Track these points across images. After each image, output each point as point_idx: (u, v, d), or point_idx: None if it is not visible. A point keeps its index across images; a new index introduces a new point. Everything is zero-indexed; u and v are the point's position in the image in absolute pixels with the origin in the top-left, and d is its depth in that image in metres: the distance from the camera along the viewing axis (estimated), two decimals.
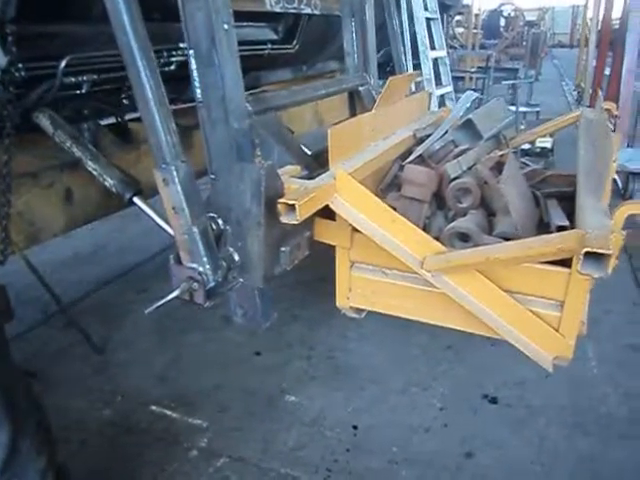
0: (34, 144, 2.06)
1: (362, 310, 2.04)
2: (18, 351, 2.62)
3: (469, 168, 1.98)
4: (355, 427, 2.21)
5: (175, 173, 1.43)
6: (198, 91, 1.72)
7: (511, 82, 7.04)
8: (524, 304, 1.67)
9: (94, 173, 1.96)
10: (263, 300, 2.07)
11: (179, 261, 1.53)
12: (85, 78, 2.19)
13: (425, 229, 2.01)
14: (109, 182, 1.95)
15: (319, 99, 2.67)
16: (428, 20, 4.76)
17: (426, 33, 4.59)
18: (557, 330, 1.66)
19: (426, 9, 4.70)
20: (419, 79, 4.59)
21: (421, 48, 4.43)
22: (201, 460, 2.02)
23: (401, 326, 2.70)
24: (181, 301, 1.54)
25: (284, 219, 1.48)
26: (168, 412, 2.26)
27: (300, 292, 3.18)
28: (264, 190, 1.51)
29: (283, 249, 1.71)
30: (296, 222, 1.47)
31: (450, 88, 4.92)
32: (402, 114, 2.42)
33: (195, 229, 1.47)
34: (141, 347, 2.75)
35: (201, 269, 1.50)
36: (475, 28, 9.49)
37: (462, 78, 8.24)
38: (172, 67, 2.68)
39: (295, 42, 3.71)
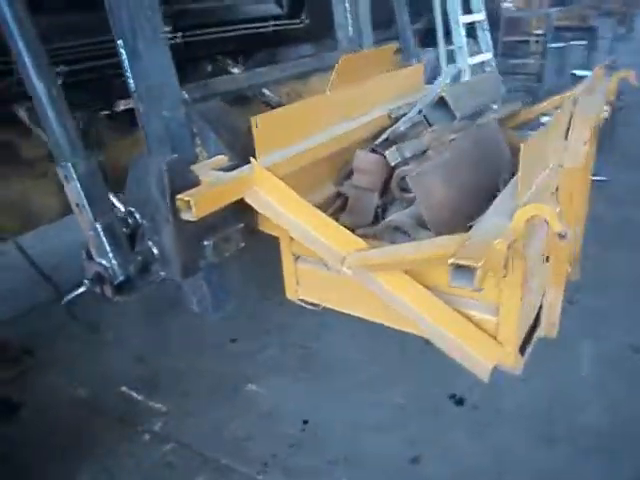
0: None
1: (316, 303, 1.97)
2: (20, 328, 2.85)
3: (424, 152, 1.81)
4: (305, 422, 2.16)
5: (73, 170, 1.43)
6: (130, 81, 1.71)
7: (561, 45, 6.36)
8: (459, 306, 1.52)
9: None
10: (214, 290, 2.07)
11: (90, 256, 1.54)
12: (59, 69, 2.25)
13: (377, 219, 1.89)
14: None
15: (288, 80, 2.54)
16: None
17: None
18: (494, 336, 1.50)
19: None
20: (451, 47, 4.27)
21: (450, 12, 4.10)
22: (151, 444, 2.09)
23: None
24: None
25: (184, 216, 1.45)
26: (134, 394, 2.35)
27: None
28: (168, 184, 1.48)
29: (206, 242, 1.67)
30: (194, 219, 1.43)
31: (490, 55, 4.54)
32: (380, 91, 2.25)
33: (98, 225, 1.47)
34: (127, 328, 2.87)
35: (108, 264, 1.51)
36: None
37: (527, 42, 7.54)
38: None
39: (303, 16, 3.58)
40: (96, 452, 2.05)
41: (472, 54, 4.58)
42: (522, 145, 1.15)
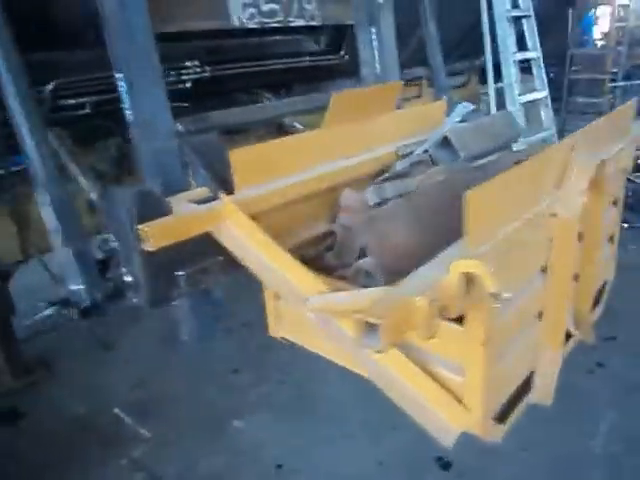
0: None
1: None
2: (42, 343, 2.99)
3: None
4: (279, 466, 2.07)
5: (48, 197, 1.49)
6: (128, 112, 1.78)
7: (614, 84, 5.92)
8: (428, 361, 1.41)
9: None
10: (201, 319, 2.07)
11: (61, 279, 1.59)
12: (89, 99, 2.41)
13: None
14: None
15: (283, 116, 2.54)
16: (518, 18, 4.25)
17: (513, 33, 4.11)
18: (460, 399, 1.37)
19: (516, 6, 4.20)
20: (500, 85, 4.12)
21: (501, 49, 3.96)
22: (125, 471, 2.08)
23: None
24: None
25: (144, 245, 1.46)
26: (125, 417, 2.37)
27: None
28: (135, 214, 1.50)
29: (180, 273, 1.67)
30: (152, 249, 1.44)
31: (545, 93, 4.33)
32: (390, 128, 2.19)
33: (69, 250, 1.52)
34: (140, 349, 2.93)
35: (76, 288, 1.54)
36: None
37: (602, 80, 7.13)
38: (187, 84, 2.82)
39: (343, 52, 3.61)
40: (72, 468, 2.08)
41: (526, 92, 4.40)
42: (468, 193, 1.05)
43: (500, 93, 4.17)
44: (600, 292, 2.11)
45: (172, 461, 2.16)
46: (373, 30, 2.73)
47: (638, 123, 2.18)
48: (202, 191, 1.74)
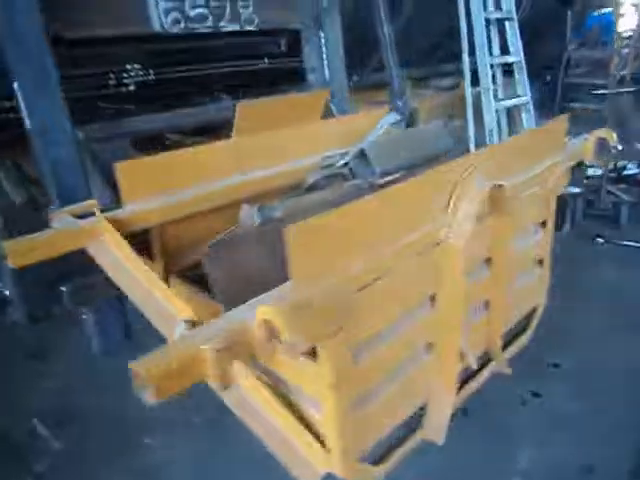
0: None
1: None
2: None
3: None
4: None
5: None
6: (26, 120, 1.73)
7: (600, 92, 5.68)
8: (291, 393, 1.32)
9: None
10: (106, 332, 2.01)
11: None
12: None
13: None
14: None
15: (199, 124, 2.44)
16: (501, 21, 4.09)
17: (491, 35, 3.96)
18: (321, 437, 1.28)
19: (499, 8, 4.05)
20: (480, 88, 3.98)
21: (477, 53, 3.82)
22: None
23: None
24: None
25: (8, 262, 1.40)
26: (43, 429, 2.32)
27: None
28: (1, 229, 1.44)
29: (64, 288, 1.61)
30: (14, 267, 1.38)
31: (526, 99, 4.17)
32: (313, 138, 2.09)
33: None
34: (70, 358, 2.83)
35: None
36: None
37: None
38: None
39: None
40: None
41: (510, 97, 4.25)
42: (289, 228, 0.95)
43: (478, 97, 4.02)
44: (529, 318, 1.99)
45: (74, 477, 2.10)
46: (320, 34, 2.64)
47: (579, 139, 2.06)
48: (90, 204, 1.67)
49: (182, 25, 2.27)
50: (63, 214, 1.58)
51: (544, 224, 1.87)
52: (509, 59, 4.09)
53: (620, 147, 1.94)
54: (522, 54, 4.11)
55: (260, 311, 0.90)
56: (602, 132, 1.97)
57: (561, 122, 1.83)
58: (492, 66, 4.15)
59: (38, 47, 1.68)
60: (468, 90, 4.00)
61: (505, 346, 1.85)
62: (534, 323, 1.98)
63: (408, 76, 5.09)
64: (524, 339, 1.95)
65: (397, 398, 1.40)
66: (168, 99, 3.02)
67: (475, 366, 1.57)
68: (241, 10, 2.42)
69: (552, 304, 3.05)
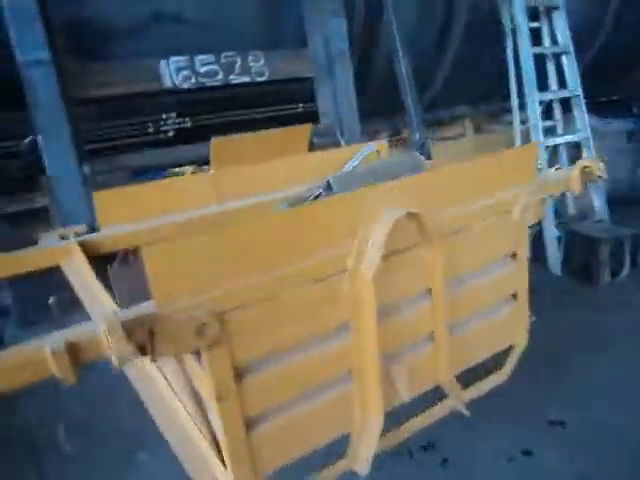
0: None
1: None
2: None
3: None
4: None
5: None
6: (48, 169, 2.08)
7: None
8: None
9: None
10: None
11: None
12: None
13: None
14: None
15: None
16: (557, 55, 3.94)
17: (548, 70, 3.82)
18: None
19: (555, 43, 3.91)
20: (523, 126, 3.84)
21: (526, 88, 3.70)
22: None
23: None
24: None
25: None
26: (63, 433, 2.48)
27: None
28: None
29: (51, 300, 1.86)
30: None
31: (585, 134, 3.91)
32: (292, 171, 2.20)
33: None
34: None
35: None
36: None
37: None
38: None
39: None
40: None
41: (568, 133, 4.03)
42: (145, 249, 1.07)
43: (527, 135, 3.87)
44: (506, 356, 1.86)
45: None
46: (332, 82, 2.78)
47: (563, 169, 1.95)
48: (80, 228, 1.93)
49: (193, 81, 2.54)
50: (50, 235, 1.84)
51: (514, 256, 1.78)
52: (564, 94, 3.90)
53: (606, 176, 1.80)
54: (580, 88, 3.89)
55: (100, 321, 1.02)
56: (587, 161, 1.84)
57: (528, 150, 1.76)
58: (551, 101, 4.00)
59: (56, 110, 2.01)
60: (517, 128, 3.88)
61: (468, 385, 1.76)
62: (510, 364, 1.85)
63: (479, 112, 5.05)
64: (496, 379, 1.83)
65: (312, 422, 1.40)
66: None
67: (407, 398, 1.52)
68: (251, 64, 2.64)
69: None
